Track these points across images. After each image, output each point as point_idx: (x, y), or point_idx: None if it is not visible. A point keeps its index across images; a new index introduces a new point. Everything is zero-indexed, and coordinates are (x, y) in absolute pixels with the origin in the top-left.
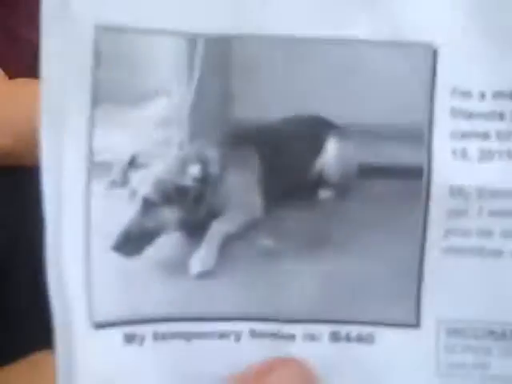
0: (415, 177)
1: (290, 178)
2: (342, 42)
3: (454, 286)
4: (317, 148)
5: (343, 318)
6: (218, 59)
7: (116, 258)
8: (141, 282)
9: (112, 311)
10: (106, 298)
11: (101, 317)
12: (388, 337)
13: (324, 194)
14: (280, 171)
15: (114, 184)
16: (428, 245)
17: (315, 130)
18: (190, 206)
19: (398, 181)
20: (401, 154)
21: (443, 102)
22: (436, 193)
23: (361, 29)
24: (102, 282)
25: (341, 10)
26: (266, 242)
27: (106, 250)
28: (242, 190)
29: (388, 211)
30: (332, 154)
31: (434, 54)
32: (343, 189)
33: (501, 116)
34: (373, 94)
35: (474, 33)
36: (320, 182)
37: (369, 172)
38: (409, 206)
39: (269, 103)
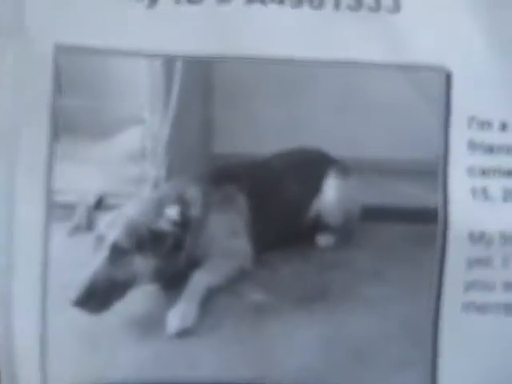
0: (429, 220)
1: (283, 221)
2: (342, 65)
3: (476, 349)
4: (314, 186)
5: None
6: (199, 84)
7: (78, 315)
8: (108, 343)
9: (72, 379)
10: (64, 364)
11: None
12: None
13: (323, 240)
14: (271, 214)
15: (77, 228)
16: (445, 300)
17: (311, 166)
18: (167, 253)
19: (409, 225)
20: (412, 194)
21: (459, 134)
22: (454, 239)
23: (363, 50)
24: (61, 344)
25: (341, 29)
26: (256, 295)
27: (67, 305)
28: (228, 235)
29: (397, 260)
30: (331, 194)
31: (448, 78)
32: (345, 234)
33: None
34: (378, 124)
35: (492, 55)
36: (318, 226)
37: (374, 214)
38: (422, 255)
39: (258, 135)
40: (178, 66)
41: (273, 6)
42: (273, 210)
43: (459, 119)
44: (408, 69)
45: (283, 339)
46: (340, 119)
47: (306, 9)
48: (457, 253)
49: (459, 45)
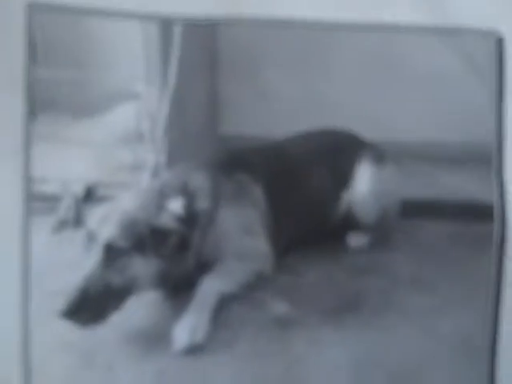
0: (483, 218)
1: (308, 217)
2: (372, 29)
3: None
4: (343, 176)
5: None
6: (202, 52)
7: (67, 329)
8: (104, 361)
9: None
10: (51, 383)
11: None
12: None
13: (355, 240)
14: (293, 208)
15: (63, 224)
16: (505, 312)
17: (339, 151)
18: (171, 254)
19: (459, 223)
20: (461, 186)
21: None
22: None
23: (398, 12)
24: (47, 362)
25: None
26: (278, 306)
27: (53, 316)
28: (242, 233)
29: (445, 265)
30: (364, 185)
31: (499, 44)
32: (381, 233)
33: None
34: (417, 101)
35: None
36: (349, 223)
37: (416, 210)
38: (475, 258)
39: (271, 113)
40: (177, 30)
41: None
42: (295, 203)
43: None
44: (452, 34)
45: (309, 358)
46: (371, 95)
47: None
48: None
49: None
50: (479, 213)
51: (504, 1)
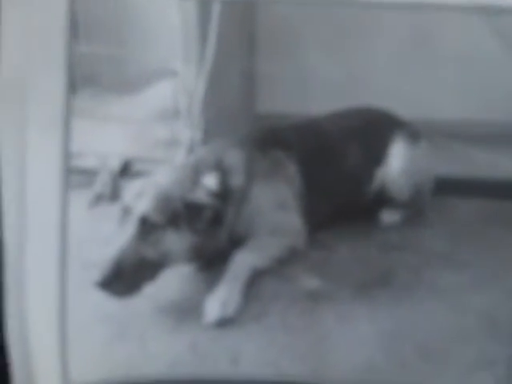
0: None
1: (341, 194)
2: (412, 7)
3: None
4: (377, 153)
5: None
6: (240, 29)
7: (102, 298)
8: (137, 332)
9: (94, 371)
10: (86, 353)
11: (78, 379)
12: None
13: (387, 216)
14: (326, 184)
15: (99, 198)
16: None
17: (374, 129)
18: (204, 229)
19: (492, 201)
20: (496, 164)
21: None
22: None
23: None
24: (82, 332)
25: None
26: (309, 280)
27: (89, 286)
28: (275, 208)
29: (476, 243)
30: (398, 162)
31: None
32: (413, 210)
33: None
34: (454, 80)
35: None
36: (382, 200)
37: (449, 187)
38: (506, 237)
39: (309, 91)
40: (216, 8)
41: None
42: (328, 180)
43: None
44: (491, 13)
45: (339, 332)
46: (407, 73)
47: None
48: None
49: None
50: None
51: None
